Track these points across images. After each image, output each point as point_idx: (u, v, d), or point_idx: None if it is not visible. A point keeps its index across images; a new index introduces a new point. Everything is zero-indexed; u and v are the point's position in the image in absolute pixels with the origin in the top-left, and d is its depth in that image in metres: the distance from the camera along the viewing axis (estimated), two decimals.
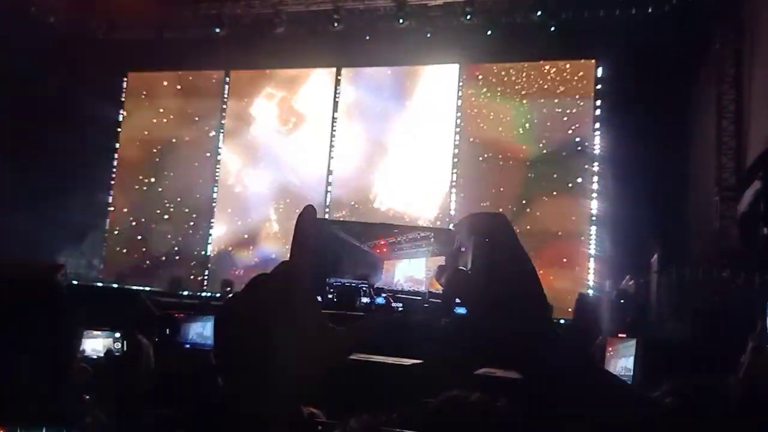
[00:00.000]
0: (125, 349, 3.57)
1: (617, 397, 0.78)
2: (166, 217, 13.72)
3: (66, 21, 13.28)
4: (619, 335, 5.67)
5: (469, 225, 0.84)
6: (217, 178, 13.70)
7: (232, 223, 13.52)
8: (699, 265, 7.68)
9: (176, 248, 13.44)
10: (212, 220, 13.55)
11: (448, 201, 12.22)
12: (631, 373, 4.97)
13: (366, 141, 12.97)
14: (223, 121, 13.84)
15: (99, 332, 3.58)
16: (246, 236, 13.28)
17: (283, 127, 13.59)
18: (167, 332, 5.49)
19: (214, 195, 13.66)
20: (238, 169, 13.75)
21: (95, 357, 3.60)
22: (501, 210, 11.47)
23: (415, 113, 12.76)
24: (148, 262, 13.43)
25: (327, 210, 12.79)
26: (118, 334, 3.60)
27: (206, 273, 13.24)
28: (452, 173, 12.31)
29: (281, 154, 13.41)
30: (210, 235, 13.50)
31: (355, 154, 12.98)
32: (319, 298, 0.77)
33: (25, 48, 11.30)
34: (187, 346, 5.11)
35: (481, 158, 12.14)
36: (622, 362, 4.98)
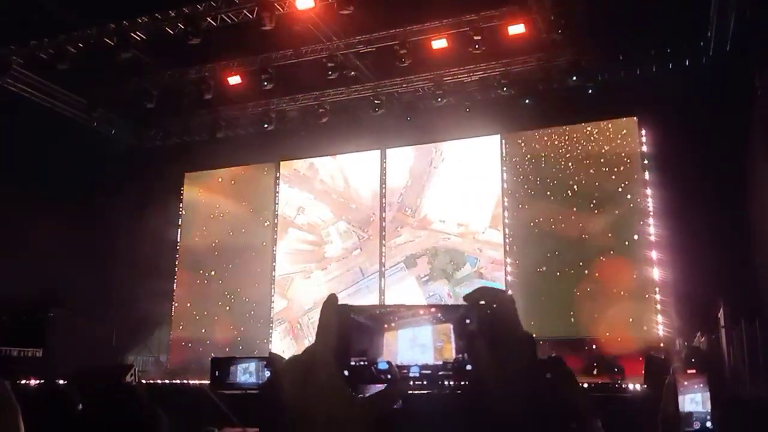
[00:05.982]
0: None
1: None
2: (227, 308, 14.04)
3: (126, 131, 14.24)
4: (688, 371, 5.47)
5: (477, 296, 0.96)
6: (274, 265, 14.00)
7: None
8: None
9: (239, 338, 13.63)
10: (272, 303, 13.75)
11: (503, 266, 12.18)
12: (700, 408, 4.82)
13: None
14: (277, 211, 14.24)
15: None
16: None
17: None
18: (216, 374, 5.61)
19: (273, 285, 13.92)
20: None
21: None
22: (558, 274, 11.38)
23: (459, 180, 12.99)
24: (212, 354, 13.60)
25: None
26: None
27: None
28: (504, 242, 12.28)
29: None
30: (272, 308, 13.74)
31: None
32: (346, 372, 0.94)
33: (91, 158, 12.26)
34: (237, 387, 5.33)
35: (531, 224, 12.11)
36: (690, 397, 4.86)
